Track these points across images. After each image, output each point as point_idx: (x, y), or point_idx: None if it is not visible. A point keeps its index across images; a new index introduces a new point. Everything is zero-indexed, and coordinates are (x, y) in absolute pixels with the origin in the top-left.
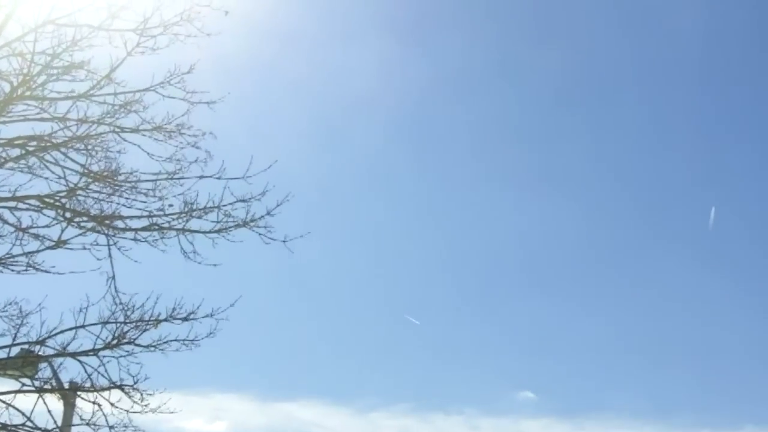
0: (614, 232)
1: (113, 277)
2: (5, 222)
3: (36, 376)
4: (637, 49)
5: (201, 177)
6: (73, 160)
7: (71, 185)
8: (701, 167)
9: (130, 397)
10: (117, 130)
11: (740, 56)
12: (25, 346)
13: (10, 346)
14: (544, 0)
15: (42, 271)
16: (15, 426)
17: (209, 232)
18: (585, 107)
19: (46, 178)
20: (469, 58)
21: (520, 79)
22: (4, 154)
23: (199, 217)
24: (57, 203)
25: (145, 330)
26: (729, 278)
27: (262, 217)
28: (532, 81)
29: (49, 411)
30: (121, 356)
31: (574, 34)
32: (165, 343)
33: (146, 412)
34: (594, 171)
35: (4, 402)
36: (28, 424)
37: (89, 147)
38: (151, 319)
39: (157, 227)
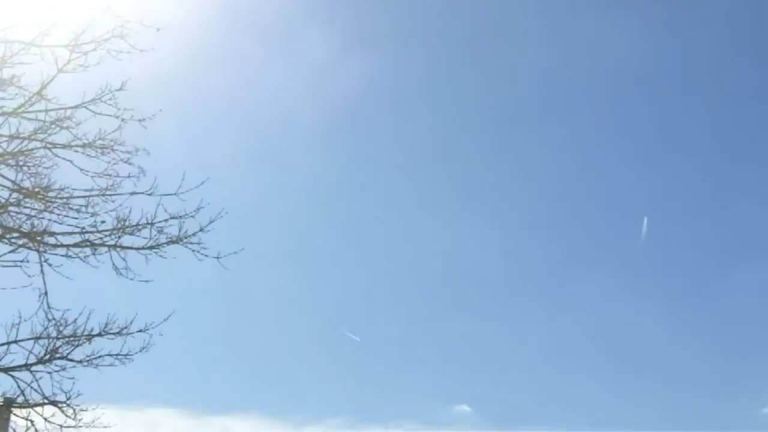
0: (548, 248)
1: (45, 293)
2: None
3: None
4: (572, 68)
5: (133, 193)
6: (3, 176)
7: (2, 201)
8: (634, 178)
9: (63, 412)
10: (49, 146)
11: (670, 71)
12: None
13: None
14: (484, 17)
15: None
16: None
17: (142, 248)
18: (520, 124)
19: None
20: (407, 73)
21: (458, 95)
22: None
23: (132, 234)
24: None
25: (77, 345)
26: (660, 289)
27: (195, 233)
28: (469, 97)
29: None
30: (54, 371)
31: (513, 53)
32: (98, 357)
33: (80, 427)
34: (528, 187)
35: None
36: None
37: (21, 163)
38: (84, 334)
39: (89, 243)
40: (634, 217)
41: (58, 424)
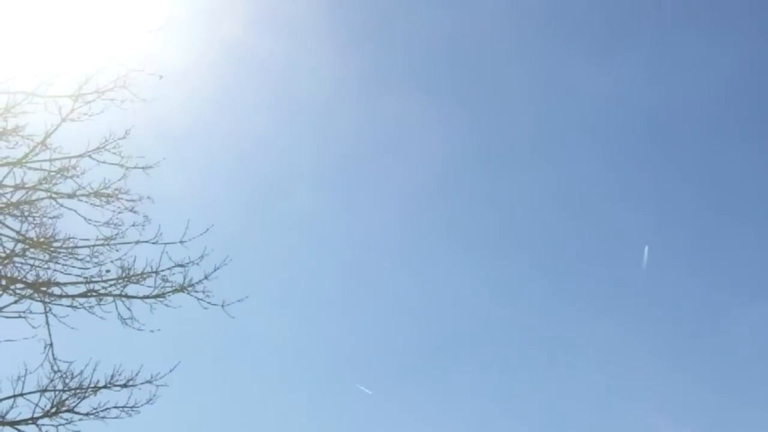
0: (552, 291)
1: (51, 345)
2: None
3: None
4: (567, 111)
5: (138, 242)
6: (8, 227)
7: (7, 251)
8: (634, 217)
9: None
10: (53, 196)
11: (667, 111)
12: None
13: None
14: (463, 58)
15: None
16: None
17: (147, 297)
18: (519, 165)
19: None
20: (407, 116)
21: (439, 137)
22: None
23: (137, 283)
24: None
25: (84, 397)
26: (665, 329)
27: (200, 281)
28: (449, 139)
29: None
30: (60, 424)
31: (488, 95)
32: (104, 410)
33: None
34: (528, 230)
35: None
36: None
37: (26, 213)
38: (90, 386)
39: (94, 293)
40: (635, 254)
41: None
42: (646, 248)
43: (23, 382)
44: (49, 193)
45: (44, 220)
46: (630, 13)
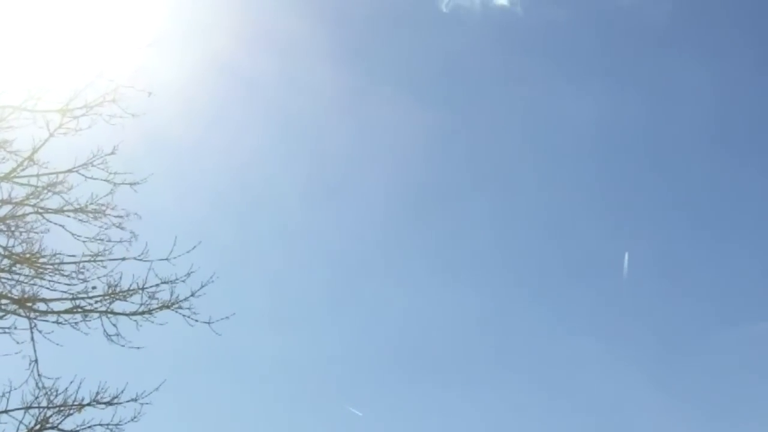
0: (533, 309)
1: (36, 361)
2: None
3: None
4: (536, 130)
5: (125, 258)
6: None
7: None
8: (614, 235)
9: None
10: (41, 211)
11: (648, 130)
12: None
13: None
14: (452, 80)
15: None
16: None
17: (133, 314)
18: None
19: None
20: (389, 133)
21: (428, 156)
22: None
23: (123, 299)
24: None
25: (68, 415)
26: (647, 347)
27: (187, 298)
28: (437, 158)
29: None
30: None
31: (476, 115)
32: (89, 428)
33: None
34: (507, 250)
35: None
36: None
37: (12, 228)
38: (75, 403)
39: (80, 310)
40: (618, 274)
41: None
42: (626, 255)
43: (8, 399)
44: (36, 209)
45: (31, 235)
46: (615, 37)
